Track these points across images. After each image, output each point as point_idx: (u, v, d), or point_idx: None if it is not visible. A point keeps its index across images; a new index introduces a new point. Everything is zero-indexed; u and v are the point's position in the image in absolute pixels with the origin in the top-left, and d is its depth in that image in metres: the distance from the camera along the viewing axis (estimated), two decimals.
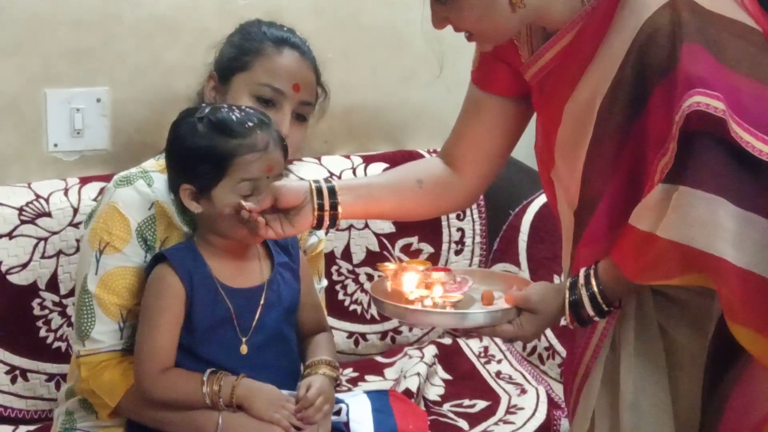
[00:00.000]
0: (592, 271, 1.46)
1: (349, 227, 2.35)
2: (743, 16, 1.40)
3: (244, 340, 1.67)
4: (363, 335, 2.39)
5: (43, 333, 2.08)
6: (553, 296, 1.51)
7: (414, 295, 1.55)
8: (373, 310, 2.38)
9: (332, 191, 1.60)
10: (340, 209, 1.60)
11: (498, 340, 2.41)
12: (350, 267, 2.37)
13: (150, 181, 1.74)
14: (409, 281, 1.57)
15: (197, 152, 1.62)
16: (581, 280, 1.47)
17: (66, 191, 2.12)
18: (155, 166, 1.78)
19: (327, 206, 1.59)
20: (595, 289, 1.46)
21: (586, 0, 1.48)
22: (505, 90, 1.66)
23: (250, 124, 1.62)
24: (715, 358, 1.45)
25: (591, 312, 1.47)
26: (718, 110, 1.31)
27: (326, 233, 1.81)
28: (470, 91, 1.72)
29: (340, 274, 2.37)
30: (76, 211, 2.09)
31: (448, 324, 1.70)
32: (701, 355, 1.46)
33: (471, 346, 2.40)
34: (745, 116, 1.32)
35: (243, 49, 1.81)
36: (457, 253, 2.47)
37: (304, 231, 1.69)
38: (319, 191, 1.60)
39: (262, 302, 1.68)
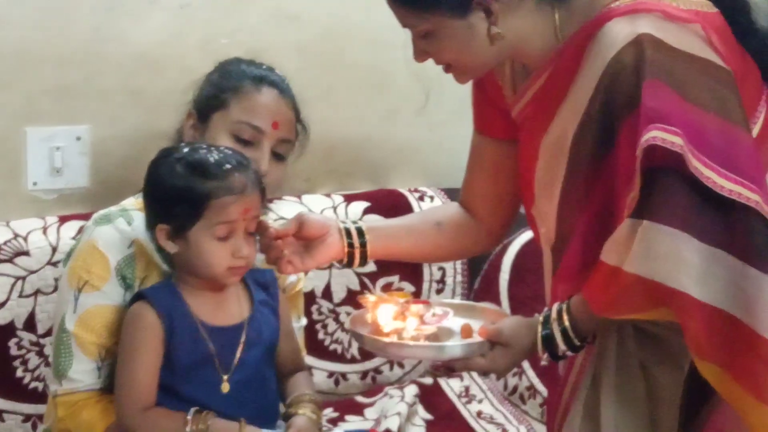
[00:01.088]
0: (564, 306, 1.47)
1: (330, 266, 2.35)
2: (711, 55, 1.41)
3: (225, 378, 1.66)
4: (343, 375, 2.38)
5: (19, 373, 2.06)
6: (526, 331, 1.51)
7: (388, 327, 1.55)
8: (354, 350, 2.37)
9: (360, 231, 1.69)
10: (368, 246, 1.68)
11: (479, 380, 2.40)
12: (330, 306, 2.37)
13: (130, 219, 1.74)
14: (385, 314, 1.57)
15: (174, 193, 1.62)
16: (553, 314, 1.48)
17: (45, 230, 2.10)
18: (135, 204, 1.77)
19: (357, 244, 1.68)
20: (567, 324, 1.46)
21: (560, 37, 1.50)
22: (501, 133, 1.68)
23: (228, 166, 1.62)
24: (691, 394, 1.45)
25: (563, 347, 1.47)
26: (675, 145, 1.31)
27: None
28: (473, 136, 1.75)
29: (320, 313, 2.36)
30: (54, 249, 2.07)
31: (424, 356, 1.70)
32: (679, 392, 1.46)
33: (452, 386, 2.39)
34: (709, 153, 1.33)
35: (221, 88, 1.81)
36: (438, 292, 2.46)
37: (323, 264, 1.76)
38: (348, 230, 1.68)
39: (243, 340, 1.68)
